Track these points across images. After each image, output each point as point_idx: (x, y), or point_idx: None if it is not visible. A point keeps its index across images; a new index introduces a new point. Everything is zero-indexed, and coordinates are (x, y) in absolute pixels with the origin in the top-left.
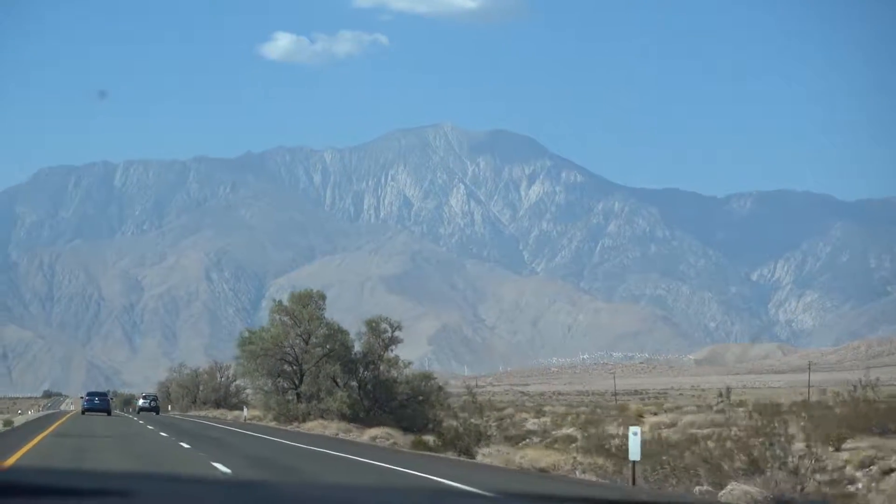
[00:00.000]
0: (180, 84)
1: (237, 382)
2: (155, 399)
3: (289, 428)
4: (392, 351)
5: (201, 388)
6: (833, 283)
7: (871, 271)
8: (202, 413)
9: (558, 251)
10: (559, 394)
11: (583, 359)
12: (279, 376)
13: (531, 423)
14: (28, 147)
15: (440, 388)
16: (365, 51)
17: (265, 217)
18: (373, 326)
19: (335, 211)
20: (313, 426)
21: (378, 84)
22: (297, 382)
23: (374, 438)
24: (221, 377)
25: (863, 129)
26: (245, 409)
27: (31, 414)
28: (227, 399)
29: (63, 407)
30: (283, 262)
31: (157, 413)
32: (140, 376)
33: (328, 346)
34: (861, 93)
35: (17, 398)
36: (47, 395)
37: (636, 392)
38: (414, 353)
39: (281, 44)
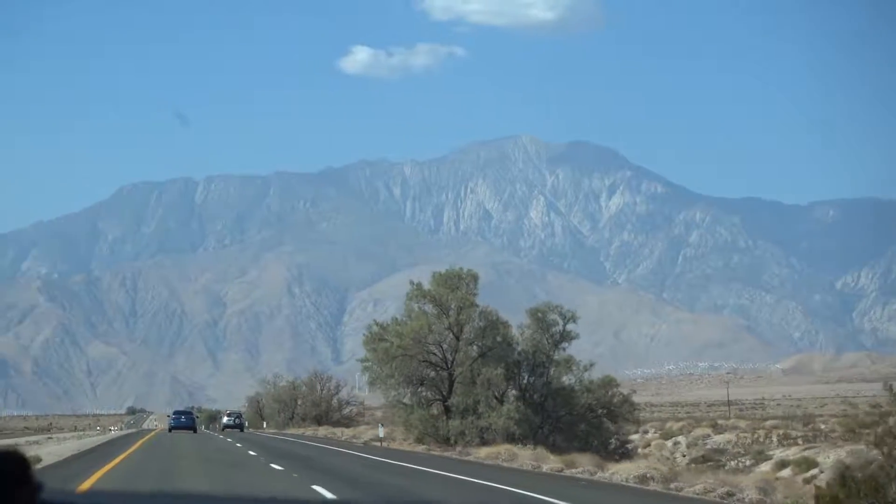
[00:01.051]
0: (260, 99)
1: (339, 395)
2: (239, 416)
3: (452, 455)
4: (564, 349)
5: (299, 402)
6: None
7: None
8: (302, 431)
9: (640, 262)
10: (651, 405)
11: (668, 369)
12: (421, 384)
13: (718, 440)
14: (110, 164)
15: (627, 399)
16: (442, 63)
17: (346, 231)
18: (538, 317)
19: (416, 224)
20: (492, 453)
21: (456, 96)
22: (444, 392)
23: (642, 479)
24: (322, 389)
25: None
26: (381, 429)
27: (110, 432)
28: (328, 414)
29: (146, 424)
30: (364, 276)
31: (242, 430)
32: (223, 391)
33: (484, 343)
34: None
35: (101, 415)
36: (131, 411)
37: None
38: None
39: (359, 57)
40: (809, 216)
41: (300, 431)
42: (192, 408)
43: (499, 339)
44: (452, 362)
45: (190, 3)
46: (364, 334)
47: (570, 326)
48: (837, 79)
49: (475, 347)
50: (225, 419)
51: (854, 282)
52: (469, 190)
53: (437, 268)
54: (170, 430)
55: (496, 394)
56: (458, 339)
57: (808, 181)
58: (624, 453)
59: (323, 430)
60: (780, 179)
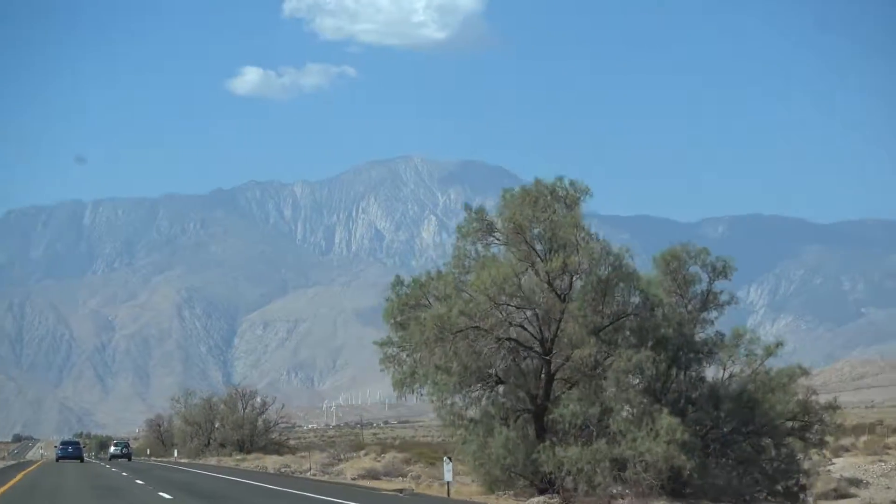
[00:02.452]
0: (148, 121)
1: (265, 415)
2: (126, 445)
3: None
4: (712, 323)
5: (217, 424)
6: (807, 306)
7: (846, 293)
8: (227, 461)
9: None
10: None
11: None
12: (499, 382)
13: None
14: None
15: (830, 406)
16: (333, 83)
17: (236, 253)
18: (673, 268)
19: (307, 245)
20: None
21: (347, 116)
22: (536, 395)
23: None
24: (245, 407)
25: (837, 152)
26: (447, 466)
27: None
28: (253, 439)
29: (32, 453)
30: (255, 298)
31: (130, 459)
32: (113, 417)
33: (613, 307)
34: (834, 116)
35: None
36: (16, 438)
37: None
38: (390, 387)
39: (249, 78)
40: (699, 233)
41: (226, 462)
42: (81, 435)
43: (635, 299)
44: (552, 342)
45: (80, 21)
46: (387, 300)
47: (720, 285)
48: (720, 95)
49: (591, 316)
50: (112, 448)
51: (744, 297)
52: (360, 210)
53: (329, 289)
54: (57, 460)
55: (642, 400)
56: (562, 298)
57: (697, 198)
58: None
59: (251, 461)
60: (671, 196)
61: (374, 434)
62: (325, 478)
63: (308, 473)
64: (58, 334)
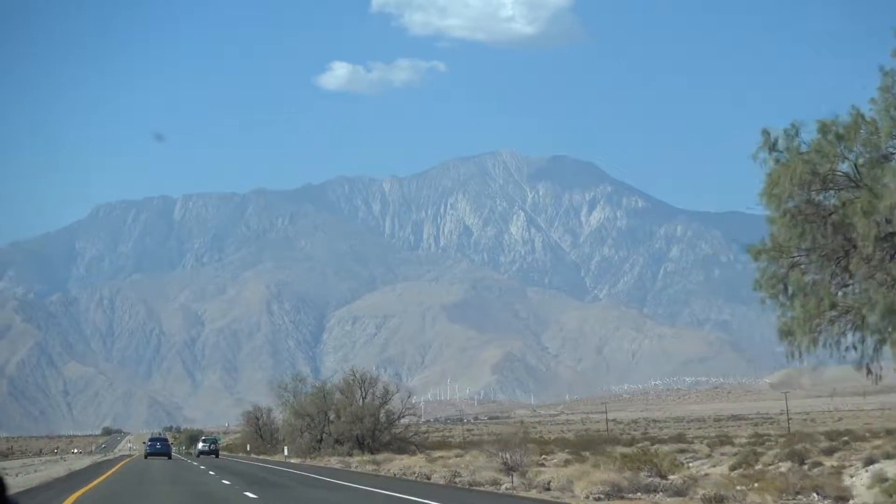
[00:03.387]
0: (238, 117)
1: (389, 405)
2: (215, 442)
3: None
4: None
5: (332, 416)
6: None
7: None
8: (353, 462)
9: (621, 277)
10: (655, 421)
11: (654, 385)
12: None
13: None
14: (87, 182)
15: None
16: (423, 78)
17: (325, 248)
18: None
19: (395, 240)
20: None
21: (436, 112)
22: None
23: None
24: (365, 395)
25: None
26: None
27: (66, 458)
28: (374, 434)
29: (121, 447)
30: (343, 293)
31: (217, 456)
32: (202, 411)
33: None
34: None
35: (77, 436)
36: (106, 432)
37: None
38: (478, 382)
39: (338, 73)
40: None
41: (340, 463)
42: (170, 429)
43: None
44: None
45: (170, 22)
46: (777, 157)
47: None
48: (811, 89)
49: None
50: (200, 445)
51: None
52: (449, 206)
53: (417, 284)
54: (146, 457)
55: None
56: None
57: None
58: None
59: (384, 463)
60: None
61: (469, 430)
62: (549, 496)
63: (504, 487)
64: (147, 329)
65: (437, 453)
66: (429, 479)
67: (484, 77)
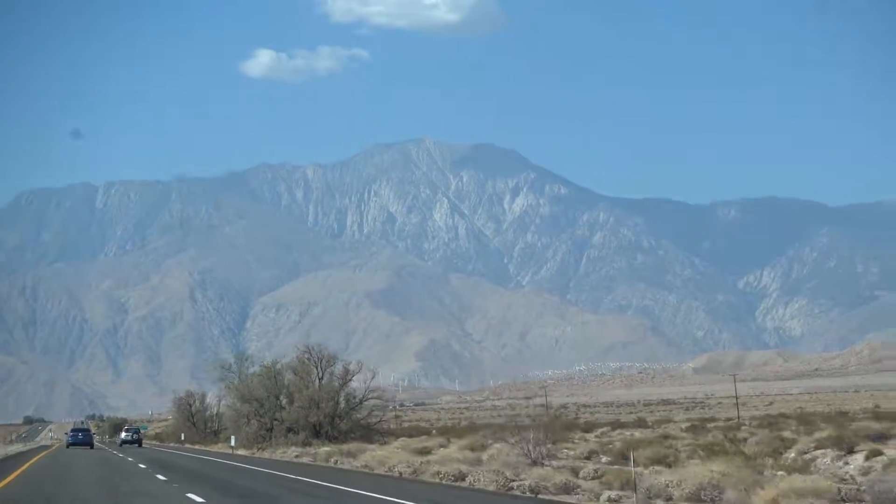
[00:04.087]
0: (161, 103)
1: (348, 386)
2: (137, 431)
3: None
4: None
5: (284, 401)
6: (820, 289)
7: (859, 276)
8: (320, 454)
9: (544, 263)
10: (585, 406)
11: (579, 370)
12: None
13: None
14: (7, 171)
15: None
16: (345, 66)
17: (248, 235)
18: None
19: (319, 227)
20: None
21: (359, 99)
22: None
23: None
24: (322, 375)
25: (850, 133)
26: None
27: None
28: (334, 421)
29: (42, 437)
30: (267, 280)
31: (140, 445)
32: (125, 400)
33: None
34: (847, 96)
35: None
36: (28, 421)
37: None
38: (402, 369)
39: (262, 61)
40: (712, 216)
41: (305, 455)
42: (94, 417)
43: None
44: None
45: (89, 5)
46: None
47: None
48: (737, 78)
49: None
50: (123, 434)
51: (756, 281)
52: (372, 193)
53: (341, 272)
54: (67, 447)
55: None
56: None
57: (709, 181)
58: None
59: (358, 456)
60: (683, 179)
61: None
62: None
63: (608, 498)
64: (70, 317)
65: (412, 442)
66: (461, 479)
67: (406, 64)
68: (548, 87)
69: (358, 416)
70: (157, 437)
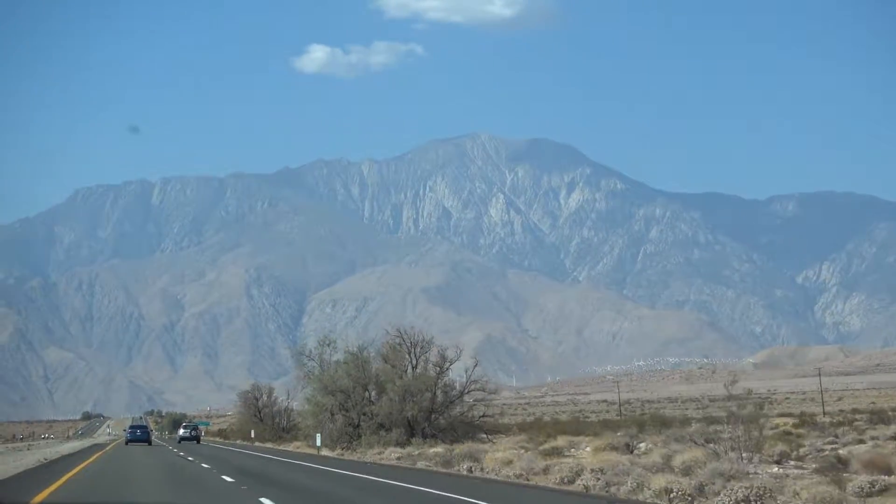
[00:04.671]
0: (216, 100)
1: (447, 375)
2: (195, 428)
3: None
4: None
5: (373, 392)
6: (880, 284)
7: None
8: (476, 463)
9: (600, 259)
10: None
11: (637, 366)
12: None
13: None
14: (66, 167)
15: None
16: (401, 61)
17: (304, 231)
18: None
19: (374, 223)
20: None
21: (414, 94)
22: None
23: None
24: (416, 361)
25: None
26: None
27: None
28: (431, 416)
29: (100, 433)
30: (323, 276)
31: (198, 442)
32: (182, 396)
33: None
34: None
35: (57, 421)
36: (86, 416)
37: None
38: (458, 365)
39: (316, 56)
40: (769, 210)
41: (421, 459)
42: (153, 413)
43: None
44: None
45: (146, 6)
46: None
47: None
48: (792, 71)
49: None
50: (181, 431)
51: (815, 276)
52: (428, 188)
53: (397, 267)
54: (126, 443)
55: None
56: None
57: (766, 175)
58: None
59: (478, 457)
60: (739, 174)
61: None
62: None
63: None
64: (127, 313)
65: (521, 440)
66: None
67: (462, 59)
68: (603, 82)
69: (456, 410)
70: (220, 433)
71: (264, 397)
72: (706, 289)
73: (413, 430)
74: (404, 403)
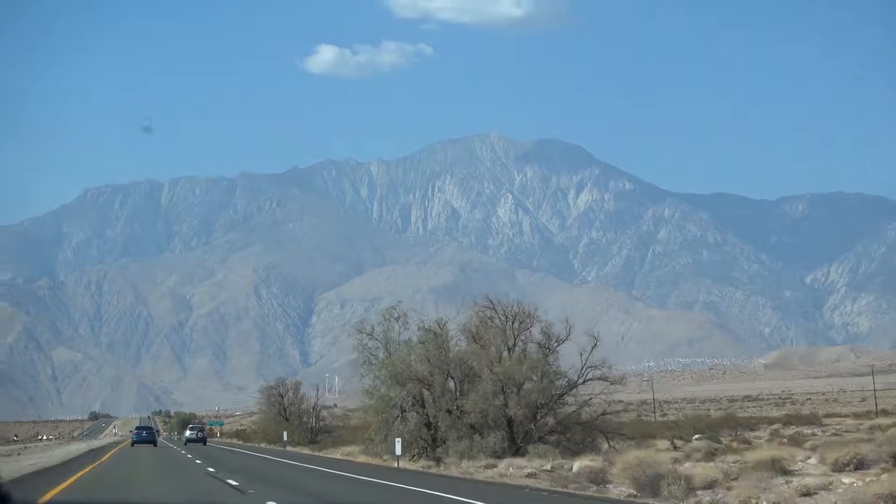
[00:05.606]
0: (225, 100)
1: (554, 361)
2: (202, 429)
3: None
4: None
5: (437, 384)
6: (889, 285)
7: None
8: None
9: (609, 259)
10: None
11: (647, 366)
12: None
13: None
14: (74, 166)
15: None
16: (409, 61)
17: (313, 231)
18: None
19: (383, 223)
20: None
21: (423, 94)
22: None
23: None
24: (513, 346)
25: None
26: None
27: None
28: (537, 418)
29: (107, 433)
30: (331, 276)
31: (205, 444)
32: (191, 396)
33: None
34: None
35: (64, 420)
36: (93, 416)
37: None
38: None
39: (324, 56)
40: (778, 211)
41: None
42: (160, 413)
43: None
44: None
45: (154, 6)
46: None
47: None
48: (802, 74)
49: None
50: (188, 433)
51: (824, 277)
52: (436, 189)
53: (405, 268)
54: (132, 445)
55: None
56: None
57: (776, 176)
58: None
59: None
60: (748, 174)
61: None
62: None
63: None
64: (135, 313)
65: (656, 449)
66: None
67: (471, 60)
68: (612, 83)
69: (562, 409)
70: (238, 434)
71: (290, 393)
72: (715, 289)
73: (514, 434)
74: (507, 397)
